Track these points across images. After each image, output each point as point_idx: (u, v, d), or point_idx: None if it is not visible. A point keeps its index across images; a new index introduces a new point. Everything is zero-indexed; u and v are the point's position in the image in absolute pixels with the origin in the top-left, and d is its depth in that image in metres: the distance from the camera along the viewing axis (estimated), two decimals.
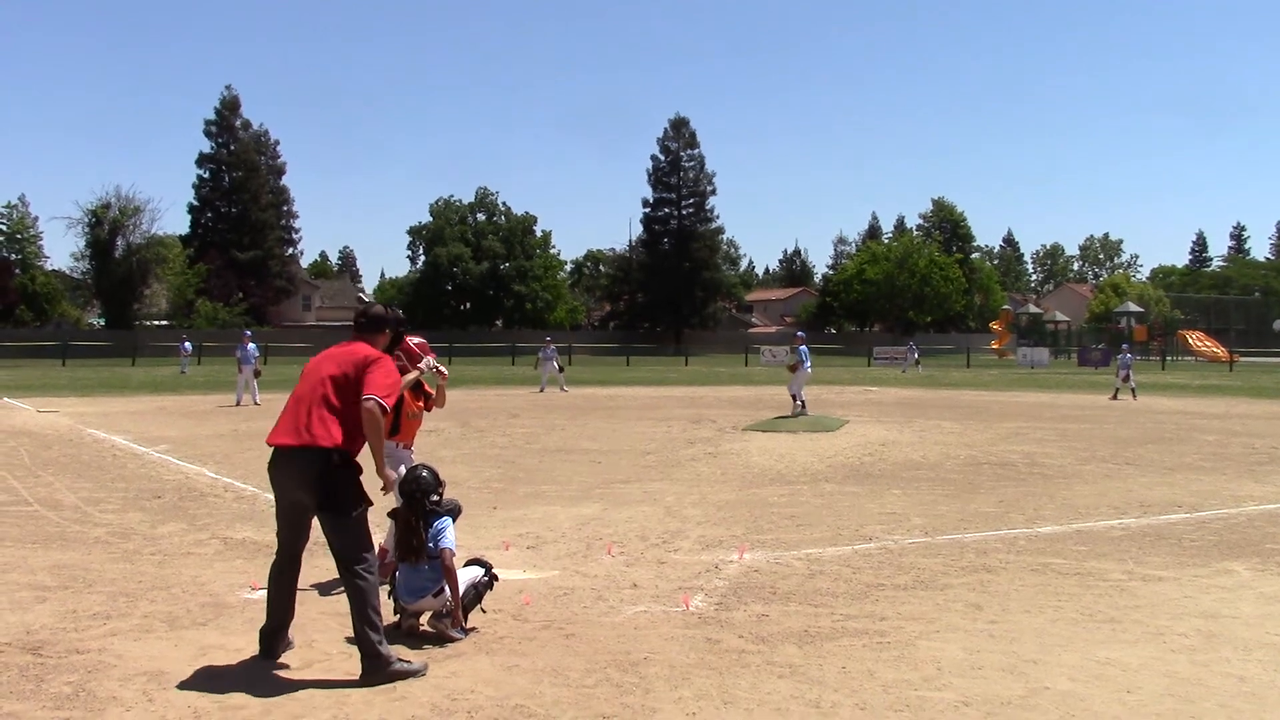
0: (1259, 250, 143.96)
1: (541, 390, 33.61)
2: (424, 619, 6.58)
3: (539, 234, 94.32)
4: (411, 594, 6.61)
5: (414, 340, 8.22)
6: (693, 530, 10.18)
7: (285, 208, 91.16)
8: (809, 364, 24.14)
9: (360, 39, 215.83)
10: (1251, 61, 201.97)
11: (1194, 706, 5.36)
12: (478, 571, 6.84)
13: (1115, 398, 31.82)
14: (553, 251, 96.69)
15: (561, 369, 35.01)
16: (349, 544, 5.88)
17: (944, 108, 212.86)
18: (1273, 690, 5.62)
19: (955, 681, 5.70)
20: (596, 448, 17.43)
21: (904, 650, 6.26)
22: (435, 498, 6.80)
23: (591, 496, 12.33)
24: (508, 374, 46.09)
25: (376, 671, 5.66)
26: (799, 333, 29.05)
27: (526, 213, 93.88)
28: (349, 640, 6.09)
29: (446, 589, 6.57)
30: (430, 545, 6.64)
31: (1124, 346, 38.66)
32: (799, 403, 23.14)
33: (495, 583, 6.91)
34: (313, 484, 5.82)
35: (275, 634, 6.09)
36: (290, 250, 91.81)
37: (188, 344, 49.87)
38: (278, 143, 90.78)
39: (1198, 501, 12.07)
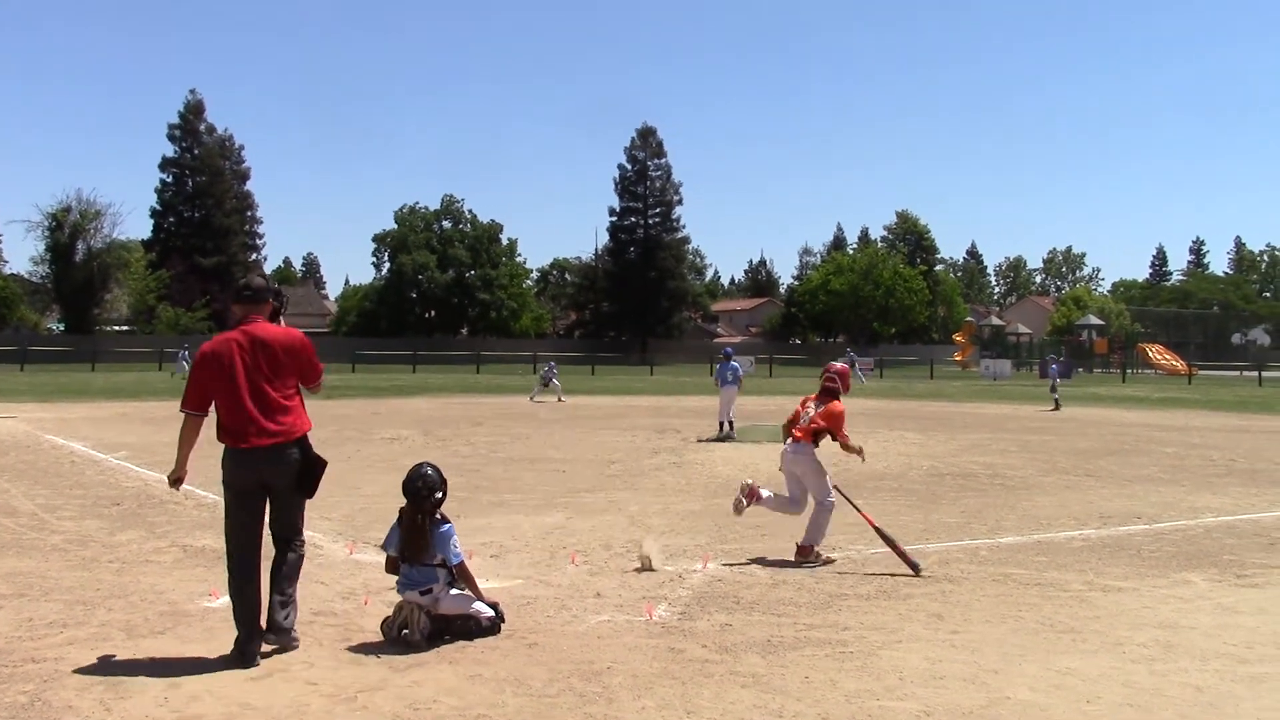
0: (1217, 265, 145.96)
1: (533, 399, 33.64)
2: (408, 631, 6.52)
3: (505, 242, 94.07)
4: (409, 587, 6.64)
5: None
6: (657, 540, 10.16)
7: (249, 213, 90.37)
8: (733, 382, 22.02)
9: (327, 45, 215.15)
10: (1216, 76, 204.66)
11: (1152, 716, 5.41)
12: (488, 610, 6.82)
13: (1057, 408, 31.79)
14: (519, 260, 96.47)
15: (547, 383, 35.04)
16: (301, 520, 6.57)
17: (909, 120, 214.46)
18: (1229, 700, 5.68)
19: (917, 691, 5.73)
20: (561, 457, 17.40)
21: (866, 660, 6.28)
22: (439, 496, 6.75)
23: (556, 506, 12.31)
24: (471, 382, 45.96)
25: (286, 635, 6.33)
26: (726, 348, 25.84)
27: (493, 220, 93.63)
28: (271, 645, 6.05)
29: (437, 589, 6.59)
30: (435, 551, 6.63)
31: (1051, 357, 39.09)
32: (724, 425, 21.43)
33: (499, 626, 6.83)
34: (292, 469, 6.36)
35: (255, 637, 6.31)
36: (254, 256, 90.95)
37: (185, 359, 47.04)
38: (242, 148, 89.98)
39: (1156, 513, 12.19)
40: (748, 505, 9.54)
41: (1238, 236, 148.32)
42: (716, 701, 5.51)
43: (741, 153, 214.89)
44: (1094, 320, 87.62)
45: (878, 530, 9.11)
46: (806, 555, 9.27)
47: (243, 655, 6.10)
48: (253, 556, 6.35)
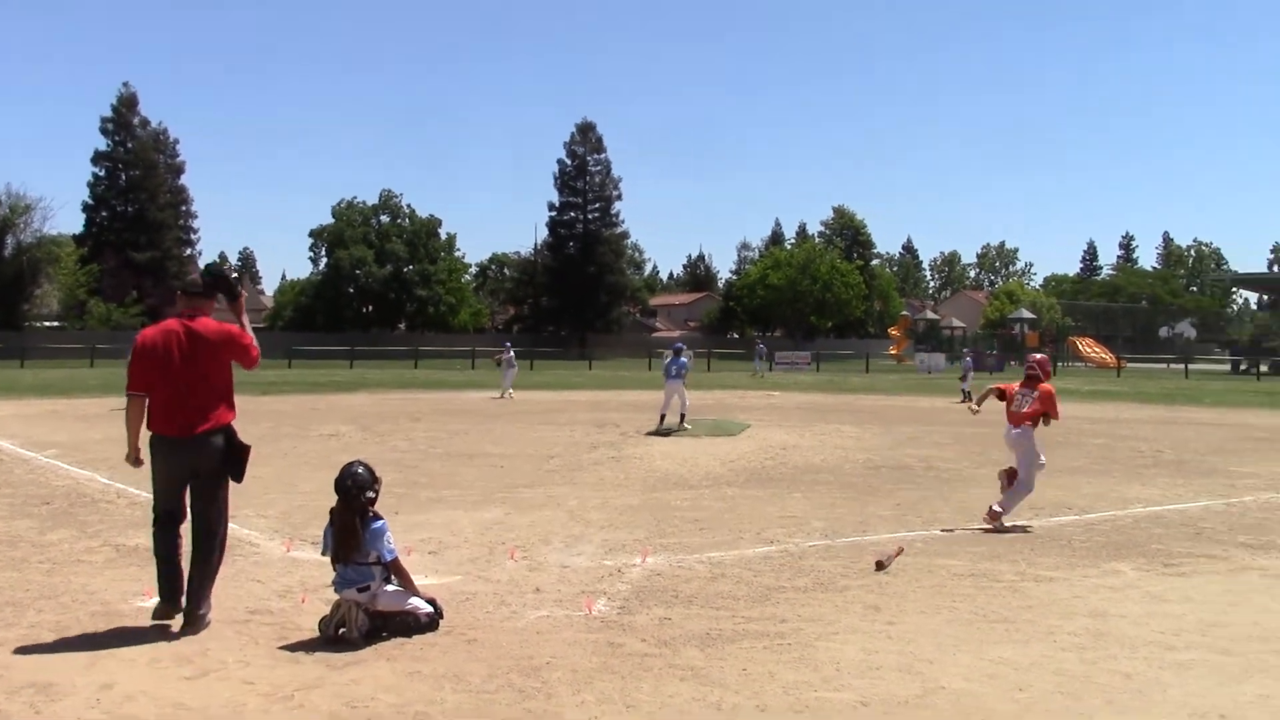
0: (1146, 260, 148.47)
1: (503, 396, 32.73)
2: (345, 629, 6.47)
3: (444, 237, 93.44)
4: (346, 585, 6.60)
5: None
6: (596, 534, 10.19)
7: (184, 207, 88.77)
8: (676, 376, 21.90)
9: (263, 37, 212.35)
10: (1144, 74, 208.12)
11: (1082, 703, 5.52)
12: (426, 606, 6.78)
13: (963, 401, 32.25)
14: (457, 254, 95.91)
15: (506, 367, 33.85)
16: (225, 507, 6.91)
17: (847, 117, 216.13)
18: (1157, 686, 5.81)
19: (854, 682, 5.80)
20: (500, 452, 17.35)
21: (804, 651, 6.34)
22: (370, 494, 6.70)
23: (494, 501, 12.28)
24: (409, 377, 45.64)
25: (199, 622, 6.58)
26: (677, 344, 25.33)
27: (431, 215, 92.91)
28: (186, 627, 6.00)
29: (374, 586, 6.57)
30: (369, 549, 6.58)
31: (965, 351, 39.63)
32: (664, 416, 21.56)
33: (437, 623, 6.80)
34: (218, 456, 6.73)
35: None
36: (189, 251, 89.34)
37: None
38: (177, 141, 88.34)
39: (1087, 504, 12.41)
40: (995, 524, 10.64)
41: (1166, 232, 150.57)
42: (655, 695, 5.54)
43: (681, 148, 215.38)
44: (1026, 314, 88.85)
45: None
46: (996, 520, 10.67)
47: (164, 616, 6.64)
48: (177, 531, 6.80)
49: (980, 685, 5.78)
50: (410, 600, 6.68)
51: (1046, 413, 11.22)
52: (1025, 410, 11.20)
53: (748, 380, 46.20)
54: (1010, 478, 10.99)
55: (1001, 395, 11.63)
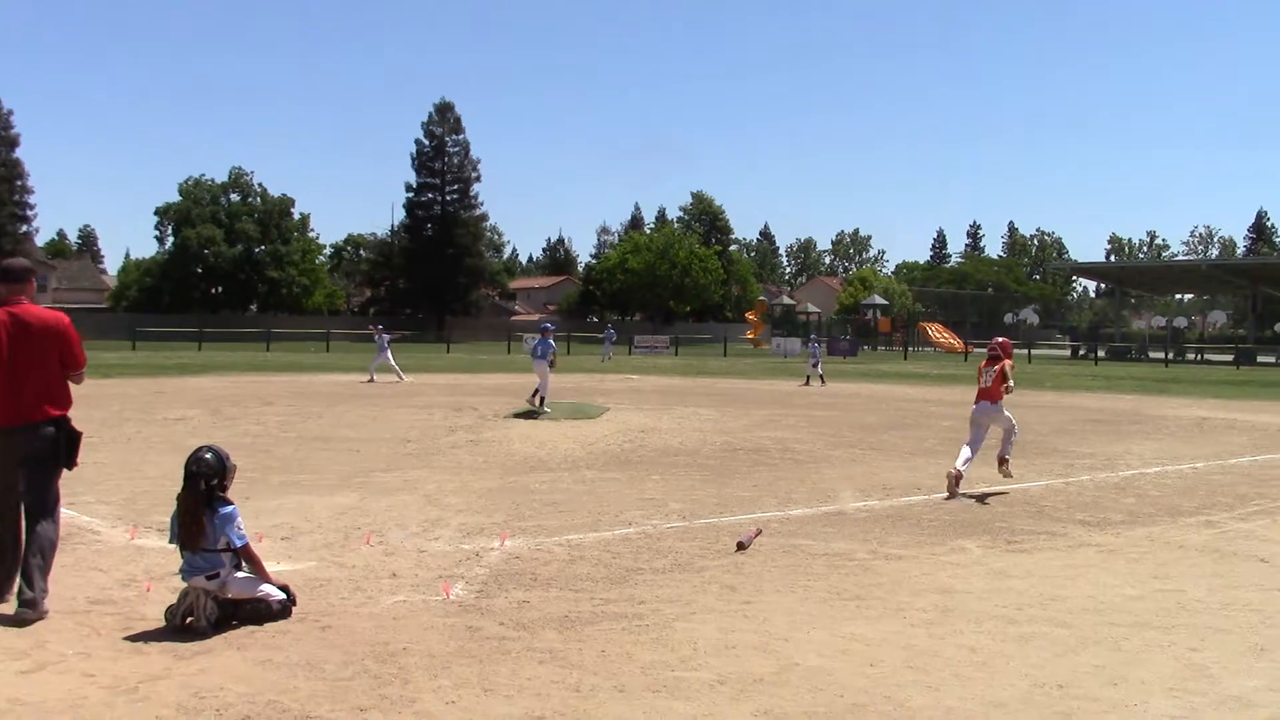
0: (992, 248, 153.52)
1: (368, 377, 31.99)
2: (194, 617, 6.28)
3: (297, 216, 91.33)
4: (193, 573, 6.41)
5: None
6: (453, 518, 10.10)
7: (19, 182, 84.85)
8: (541, 357, 22.00)
9: (106, 7, 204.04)
10: (985, 67, 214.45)
11: (930, 676, 5.68)
12: (278, 593, 6.60)
13: (807, 383, 33.26)
14: (311, 235, 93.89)
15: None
16: (56, 495, 6.80)
17: (707, 102, 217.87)
18: (1000, 658, 6.02)
19: (710, 661, 5.86)
20: (355, 436, 17.05)
21: (661, 632, 6.39)
22: (218, 480, 6.49)
23: (349, 485, 12.06)
24: (261, 360, 44.52)
25: (36, 607, 6.39)
26: (546, 324, 25.59)
27: (284, 194, 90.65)
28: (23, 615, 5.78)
29: (224, 573, 6.40)
30: (218, 535, 6.39)
31: (812, 337, 40.64)
32: (542, 398, 21.46)
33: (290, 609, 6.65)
34: (49, 445, 6.63)
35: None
36: (24, 228, 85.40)
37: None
38: (11, 113, 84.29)
39: (935, 484, 12.76)
40: (957, 488, 11.95)
41: (1011, 222, 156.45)
42: (514, 678, 5.52)
43: (541, 131, 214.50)
44: (879, 300, 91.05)
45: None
46: (1005, 465, 12.75)
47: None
48: (13, 524, 6.67)
49: (833, 661, 5.91)
50: (262, 587, 6.52)
51: (1005, 376, 12.74)
52: (991, 385, 12.75)
53: (607, 364, 46.28)
54: (957, 481, 12.02)
55: (978, 372, 13.37)
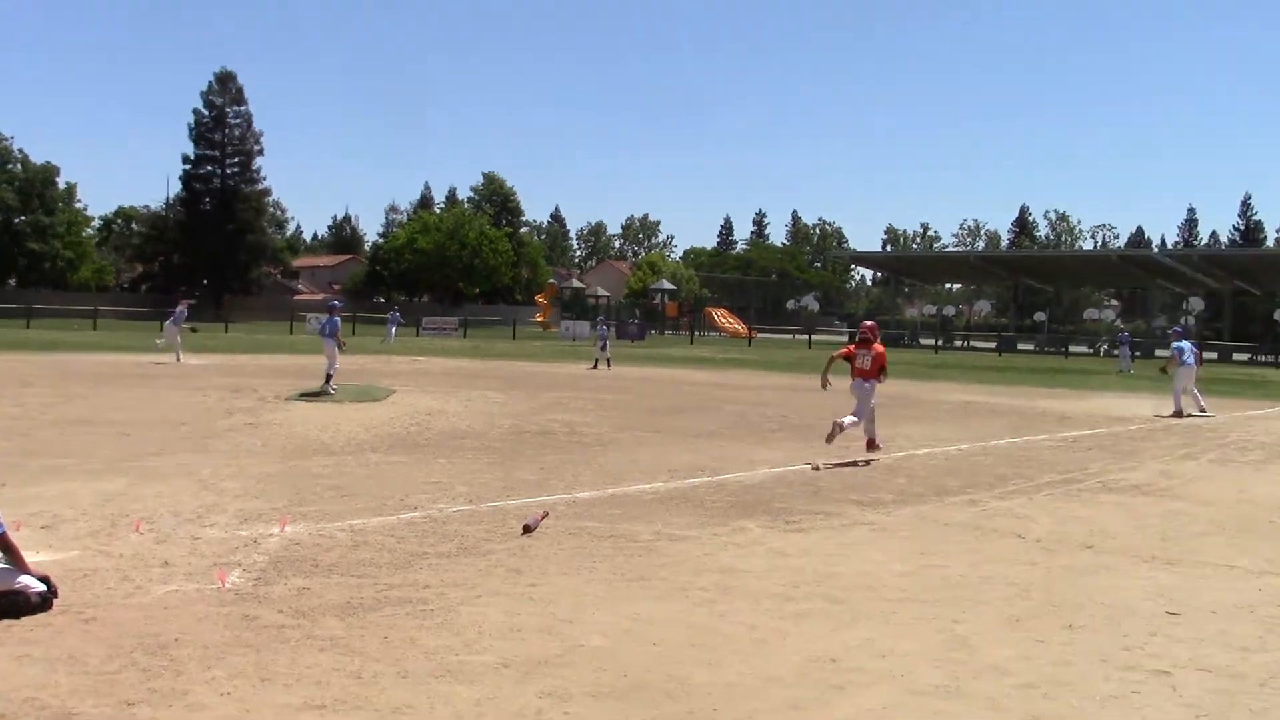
0: (777, 236, 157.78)
1: (176, 358, 30.16)
2: None
3: (62, 186, 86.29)
4: None
5: None
6: (230, 504, 9.76)
7: None
8: (329, 336, 22.20)
9: None
10: (768, 61, 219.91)
11: (712, 654, 5.82)
12: (38, 585, 6.21)
13: (595, 367, 33.73)
14: (78, 206, 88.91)
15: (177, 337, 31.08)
16: None
17: (495, 82, 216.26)
18: (777, 635, 6.22)
19: (496, 644, 5.85)
20: (124, 419, 16.26)
21: (446, 617, 6.34)
22: None
23: (118, 470, 11.50)
24: (21, 338, 41.95)
25: None
26: (334, 301, 25.98)
27: (48, 162, 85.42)
28: None
29: None
30: None
31: (601, 320, 41.29)
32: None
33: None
34: None
35: None
36: None
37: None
38: None
39: (718, 465, 13.07)
40: (838, 434, 13.91)
41: (795, 211, 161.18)
42: (293, 667, 5.38)
43: (328, 106, 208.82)
44: (667, 285, 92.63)
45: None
46: (873, 447, 14.15)
47: None
48: None
49: (617, 641, 5.98)
50: (20, 579, 6.16)
51: (883, 367, 14.41)
52: (869, 368, 14.29)
53: (393, 346, 45.50)
54: (839, 430, 13.94)
55: (847, 358, 14.74)
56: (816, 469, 13.05)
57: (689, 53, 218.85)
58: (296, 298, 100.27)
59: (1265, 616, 6.95)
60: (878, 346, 14.54)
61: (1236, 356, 60.70)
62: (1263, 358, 60.84)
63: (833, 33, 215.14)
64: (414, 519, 9.32)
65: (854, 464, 13.63)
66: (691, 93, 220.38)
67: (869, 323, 15.37)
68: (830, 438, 13.95)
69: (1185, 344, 23.04)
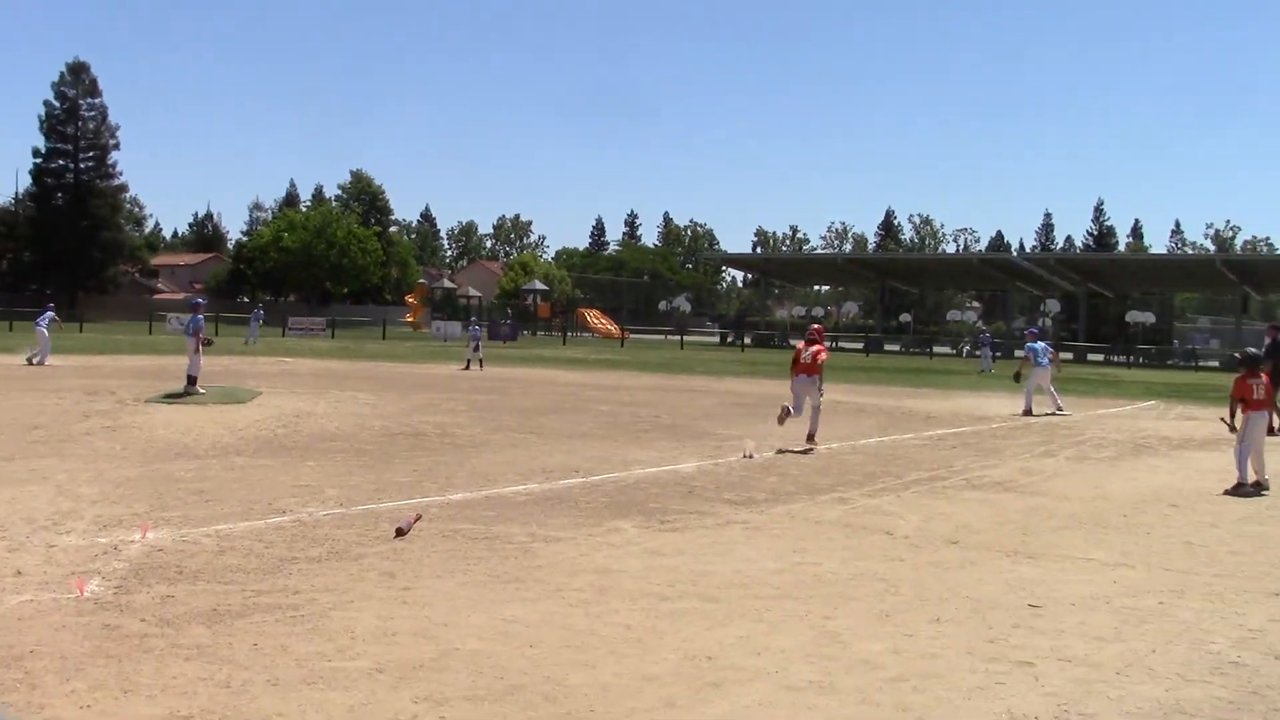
0: (649, 237, 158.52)
1: (40, 361, 28.56)
2: None
3: None
4: None
5: None
6: (88, 510, 9.42)
7: None
8: (191, 334, 21.41)
9: None
10: (648, 66, 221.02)
11: (587, 655, 5.82)
12: None
13: (467, 367, 33.56)
14: None
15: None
16: None
17: (358, 79, 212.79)
18: (654, 634, 6.24)
19: (369, 649, 5.76)
20: None
21: (318, 622, 6.22)
22: None
23: None
24: None
25: None
26: (196, 300, 25.10)
27: None
28: None
29: None
30: None
31: (473, 320, 41.18)
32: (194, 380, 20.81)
33: None
34: None
35: None
36: None
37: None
38: None
39: (592, 466, 13.08)
40: (787, 418, 15.81)
41: (666, 212, 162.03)
42: (157, 677, 5.21)
43: (189, 99, 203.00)
44: (539, 285, 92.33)
45: None
46: (813, 441, 15.61)
47: None
48: None
49: (493, 644, 5.94)
50: None
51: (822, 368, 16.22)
52: (813, 364, 15.95)
53: (257, 346, 44.44)
54: (786, 414, 15.81)
55: (797, 352, 16.39)
56: (750, 457, 14.30)
57: (557, 51, 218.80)
58: (156, 297, 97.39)
59: (1120, 607, 7.23)
60: (820, 346, 16.25)
61: (1091, 357, 63.03)
62: (1116, 358, 63.30)
63: (701, 34, 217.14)
64: (282, 523, 9.12)
65: (784, 452, 15.00)
66: (562, 92, 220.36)
67: (817, 325, 17.44)
68: (781, 420, 15.97)
69: (1040, 345, 23.79)
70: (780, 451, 15.03)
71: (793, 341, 72.90)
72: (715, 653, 5.94)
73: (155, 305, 79.85)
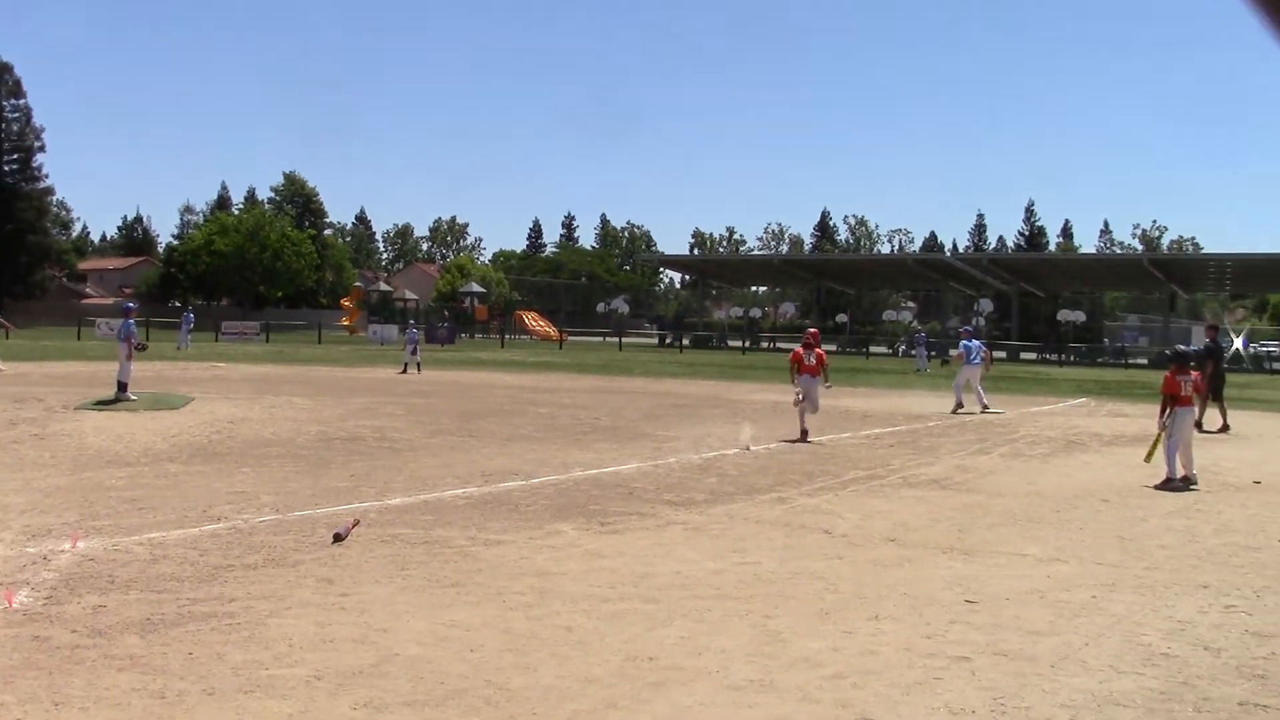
0: (586, 239, 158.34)
1: None
2: None
3: None
4: None
5: None
6: (15, 520, 9.23)
7: None
8: (123, 340, 21.03)
9: None
10: (579, 66, 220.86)
11: (529, 658, 5.81)
12: None
13: (405, 371, 33.32)
14: None
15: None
16: None
17: (294, 81, 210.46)
18: (595, 636, 6.24)
19: (307, 657, 5.70)
20: None
21: (254, 630, 6.14)
22: None
23: None
24: None
25: None
26: (127, 304, 24.39)
27: None
28: None
29: None
30: None
31: (410, 324, 40.92)
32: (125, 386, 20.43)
33: None
34: None
35: None
36: None
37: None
38: None
39: (532, 469, 13.05)
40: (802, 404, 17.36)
41: (603, 213, 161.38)
42: (90, 688, 5.12)
43: (115, 103, 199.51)
44: (476, 288, 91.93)
45: None
46: (806, 438, 16.94)
47: None
48: None
49: (433, 649, 5.90)
50: None
51: (825, 368, 18.10)
52: (814, 364, 17.66)
53: (189, 352, 43.76)
54: (800, 399, 17.42)
55: (796, 360, 17.78)
56: (748, 449, 15.46)
57: (496, 53, 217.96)
58: (84, 301, 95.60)
59: (1054, 601, 7.34)
60: (820, 350, 18.19)
61: (1024, 355, 63.99)
62: (1048, 356, 64.31)
63: (629, 35, 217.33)
64: (217, 530, 9.00)
65: (781, 443, 16.50)
66: (498, 95, 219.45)
67: (813, 330, 20.21)
68: (796, 403, 17.60)
69: (974, 343, 24.09)
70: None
71: (730, 343, 73.65)
72: (656, 653, 5.95)
73: (84, 310, 78.24)
